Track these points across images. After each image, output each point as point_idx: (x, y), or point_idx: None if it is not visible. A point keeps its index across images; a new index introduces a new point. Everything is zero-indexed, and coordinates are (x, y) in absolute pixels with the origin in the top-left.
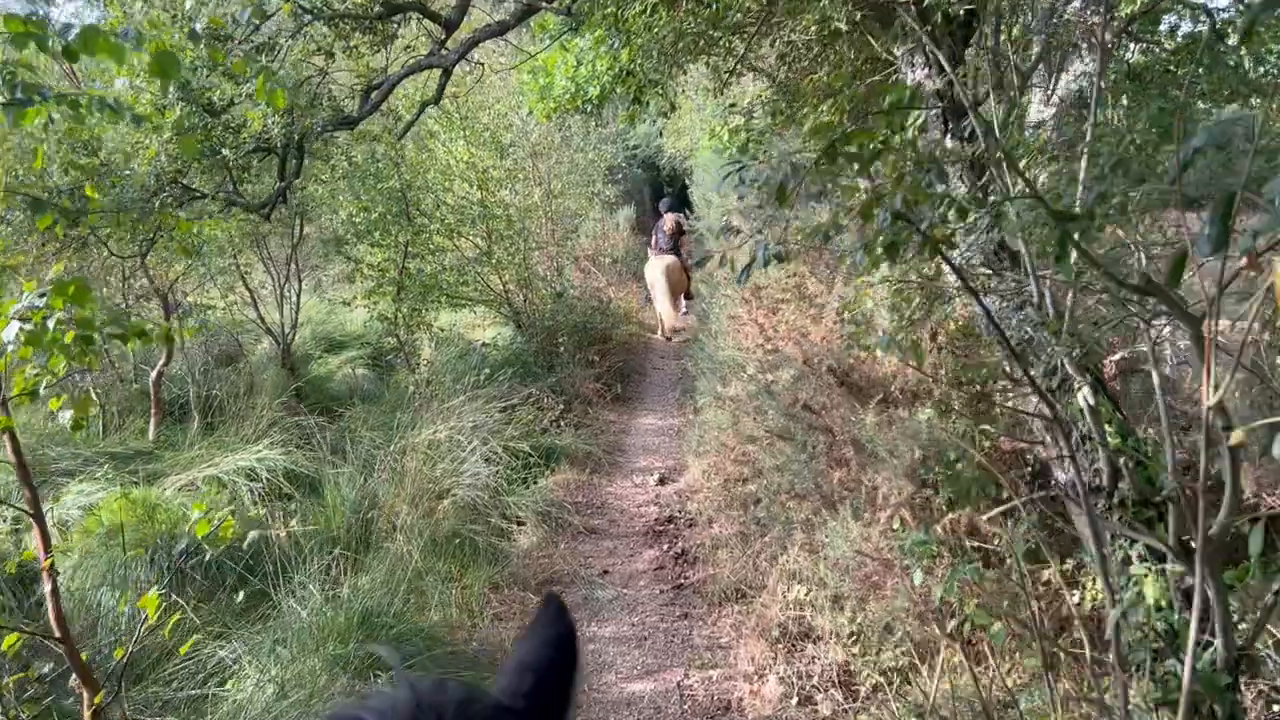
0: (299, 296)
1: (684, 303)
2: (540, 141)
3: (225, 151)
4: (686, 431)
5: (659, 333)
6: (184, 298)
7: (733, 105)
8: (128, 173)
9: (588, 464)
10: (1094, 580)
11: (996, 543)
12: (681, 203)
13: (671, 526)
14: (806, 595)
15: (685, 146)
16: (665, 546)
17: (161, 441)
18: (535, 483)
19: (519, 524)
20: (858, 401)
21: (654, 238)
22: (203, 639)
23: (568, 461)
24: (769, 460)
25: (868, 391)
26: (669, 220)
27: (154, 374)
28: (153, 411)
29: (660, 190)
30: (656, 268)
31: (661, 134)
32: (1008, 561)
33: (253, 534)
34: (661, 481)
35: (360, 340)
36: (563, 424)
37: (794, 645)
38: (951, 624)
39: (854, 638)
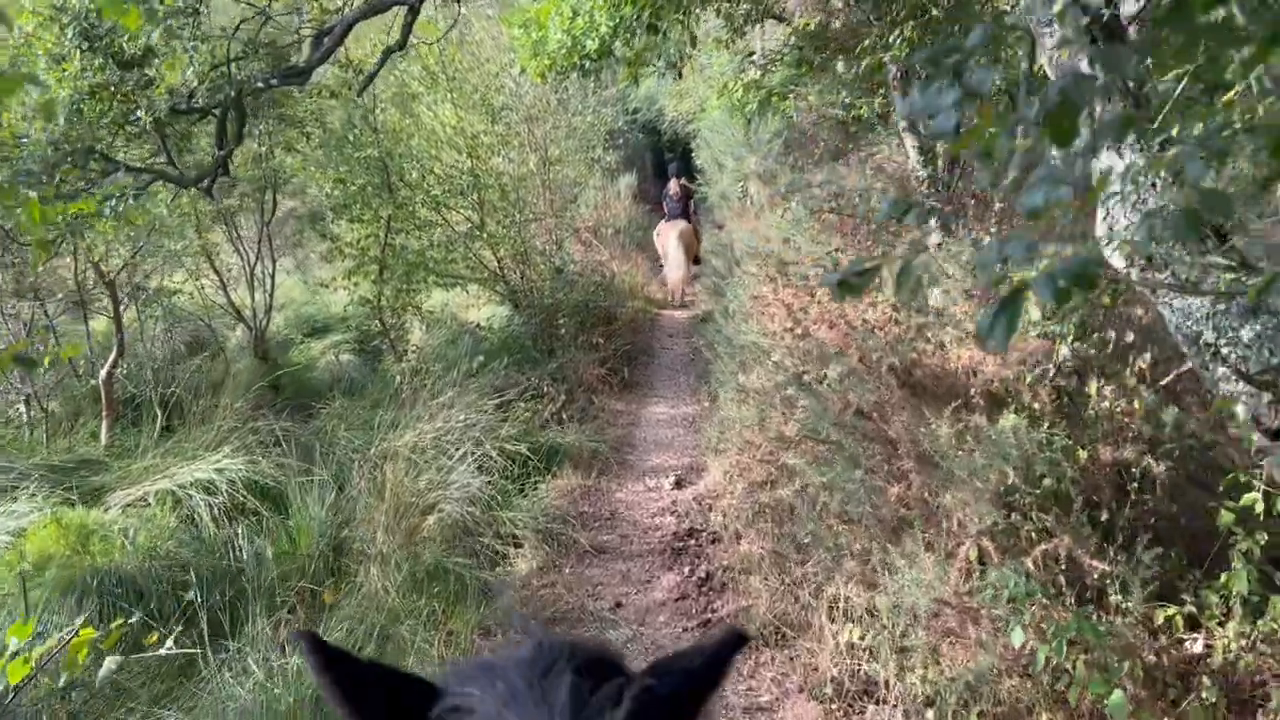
0: (273, 278)
1: (692, 267)
2: (536, 104)
3: (141, 114)
4: (702, 423)
5: (671, 297)
6: (145, 279)
7: (752, 55)
8: (25, 139)
9: (594, 465)
10: (1225, 623)
11: (1102, 580)
12: (686, 168)
13: (693, 543)
14: (863, 640)
15: (688, 109)
16: (687, 569)
17: (113, 448)
18: (534, 490)
19: (515, 545)
20: (926, 407)
21: (665, 204)
22: None
23: (571, 463)
24: (814, 476)
25: (937, 394)
26: (675, 185)
27: (103, 372)
28: (104, 414)
29: (661, 155)
30: (670, 233)
31: (660, 98)
32: (1112, 598)
33: (108, 666)
34: (678, 484)
35: (346, 323)
36: (565, 417)
37: (851, 705)
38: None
39: (929, 702)
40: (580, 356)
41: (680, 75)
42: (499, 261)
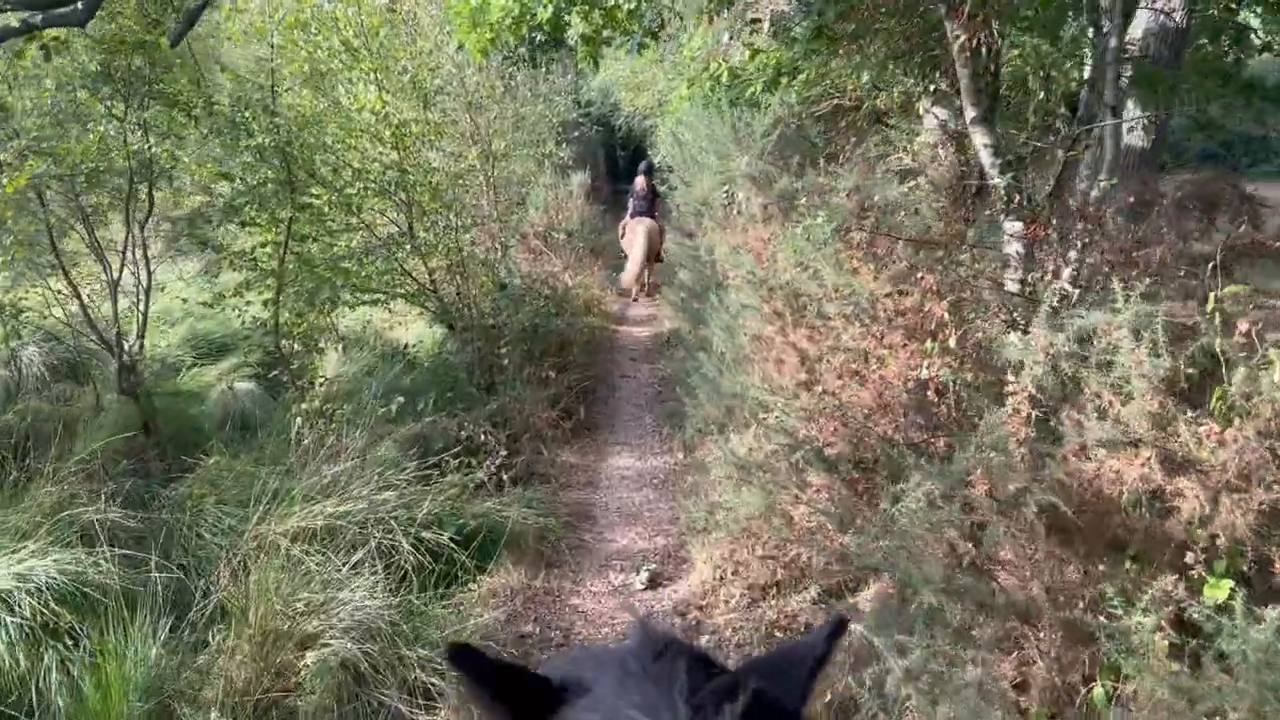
0: (148, 292)
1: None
2: (479, 90)
3: None
4: (677, 480)
5: (631, 295)
6: None
7: (755, 22)
8: None
9: (541, 553)
10: None
11: None
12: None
13: None
14: None
15: (646, 104)
16: None
17: None
18: (463, 593)
19: (429, 704)
20: (1081, 556)
21: (631, 202)
22: None
23: (511, 552)
24: (891, 658)
25: (1104, 536)
26: (641, 183)
27: None
28: None
29: (615, 152)
30: (638, 231)
31: (616, 90)
32: None
33: None
34: (653, 583)
35: (249, 342)
36: (505, 479)
37: None
38: None
39: None
40: (527, 395)
41: (656, 38)
42: (430, 274)
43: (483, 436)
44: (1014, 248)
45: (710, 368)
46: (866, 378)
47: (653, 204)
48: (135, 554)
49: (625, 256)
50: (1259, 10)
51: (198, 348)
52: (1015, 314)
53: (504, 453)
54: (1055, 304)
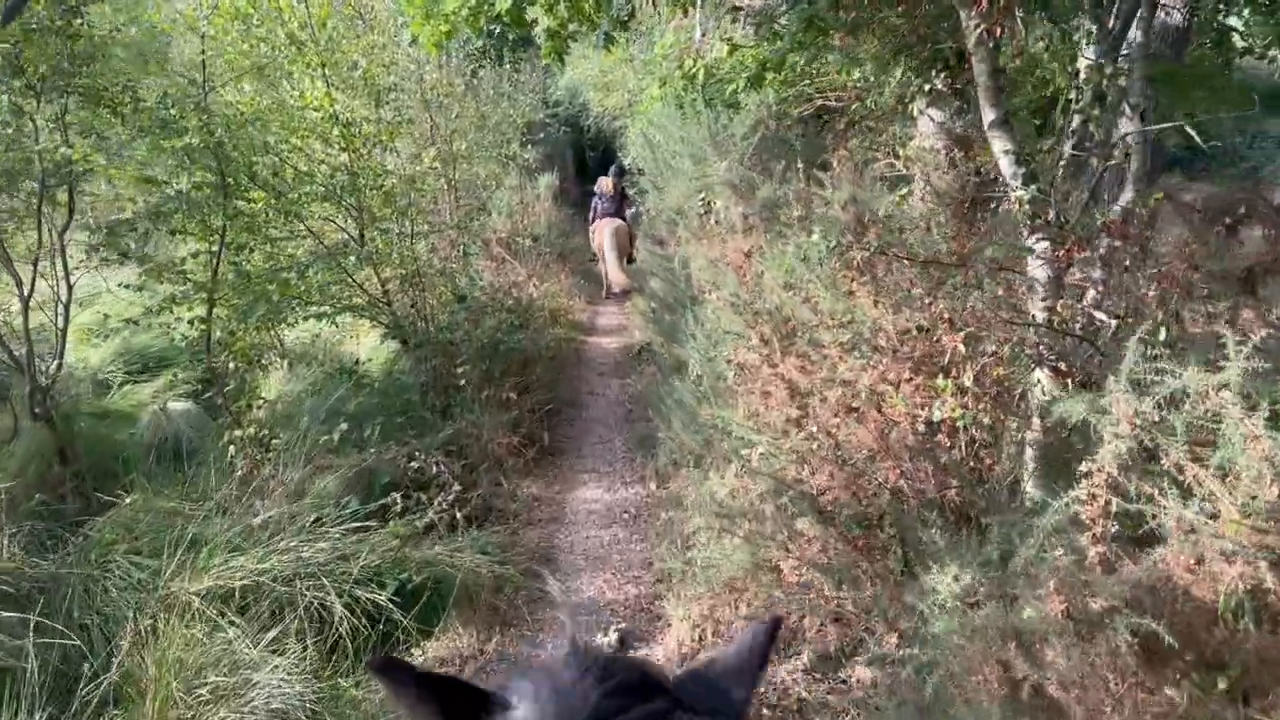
0: (68, 306)
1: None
2: (438, 87)
3: None
4: (649, 514)
5: (604, 293)
6: None
7: (737, 9)
8: None
9: (496, 609)
10: None
11: None
12: (608, 168)
13: None
14: None
15: (615, 105)
16: None
17: None
18: (405, 655)
19: None
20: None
21: (599, 202)
22: None
23: (460, 610)
24: None
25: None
26: (608, 184)
27: None
28: None
29: (584, 154)
30: (605, 231)
31: (584, 90)
32: None
33: None
34: (622, 644)
35: (184, 360)
36: (459, 517)
37: None
38: None
39: None
40: (485, 419)
41: (625, 27)
42: (383, 285)
43: (435, 468)
44: (1040, 270)
45: (686, 393)
46: (866, 416)
47: (620, 205)
48: (25, 616)
49: (594, 260)
50: (1244, 13)
51: (131, 363)
52: (1041, 347)
53: (458, 487)
54: (1139, 352)
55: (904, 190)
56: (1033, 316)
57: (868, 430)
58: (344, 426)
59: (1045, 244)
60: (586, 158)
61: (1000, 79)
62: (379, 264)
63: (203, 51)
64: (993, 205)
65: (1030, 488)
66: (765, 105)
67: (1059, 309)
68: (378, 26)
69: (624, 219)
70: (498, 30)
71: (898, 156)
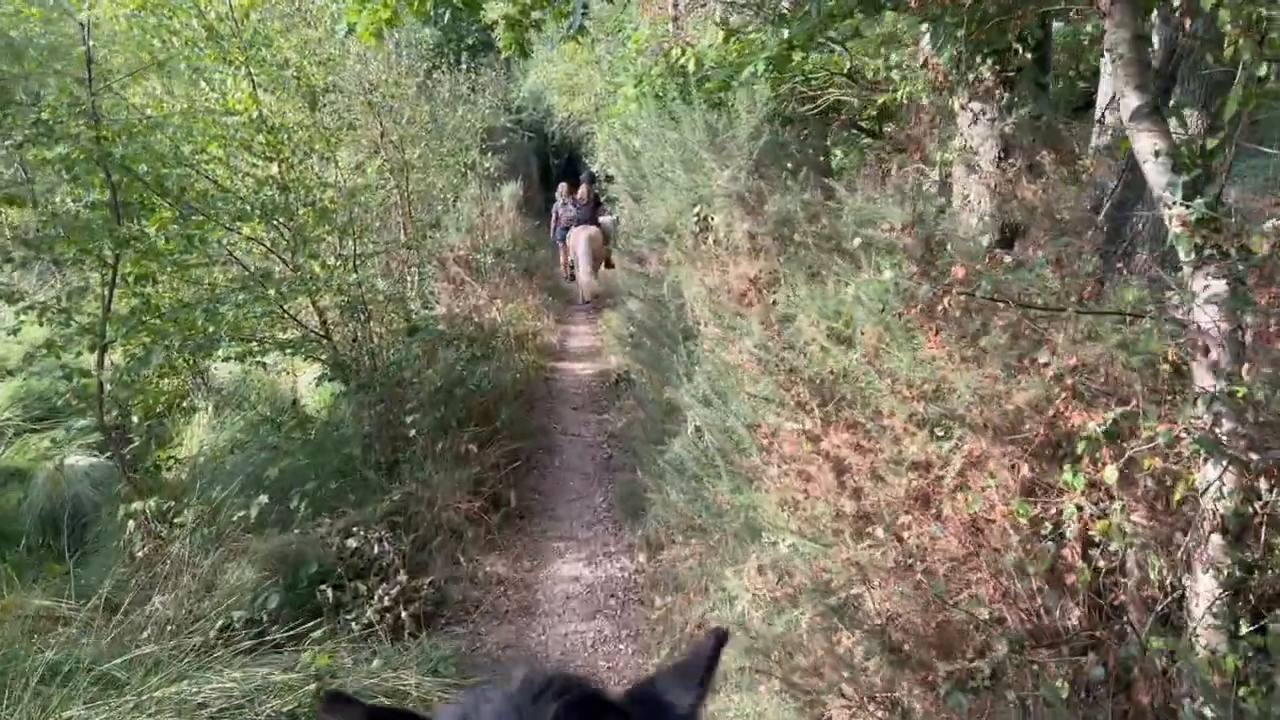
0: None
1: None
2: (384, 88)
3: None
4: (640, 597)
5: (579, 299)
6: None
7: None
8: None
9: None
10: None
11: None
12: (573, 175)
13: None
14: None
15: (581, 109)
16: None
17: None
18: None
19: None
20: None
21: (569, 209)
22: None
23: None
24: None
25: None
26: (583, 191)
27: None
28: None
29: (549, 161)
30: (580, 237)
31: (549, 95)
32: None
33: None
34: None
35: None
36: (405, 616)
37: None
38: None
39: None
40: (440, 478)
41: (587, 9)
42: (320, 315)
43: (377, 547)
44: (1211, 318)
45: (684, 453)
46: (949, 514)
47: (595, 211)
48: None
49: (565, 268)
50: None
51: (31, 409)
52: (1217, 430)
53: (404, 576)
54: None
55: (938, 202)
56: (1201, 388)
57: (952, 534)
58: (264, 500)
59: (1221, 284)
60: (551, 165)
61: (1142, 51)
62: (315, 292)
63: (85, 43)
64: (1100, 223)
65: (1203, 632)
66: (768, 101)
67: (1244, 375)
68: (313, 18)
69: (598, 225)
70: (450, 24)
71: (927, 161)
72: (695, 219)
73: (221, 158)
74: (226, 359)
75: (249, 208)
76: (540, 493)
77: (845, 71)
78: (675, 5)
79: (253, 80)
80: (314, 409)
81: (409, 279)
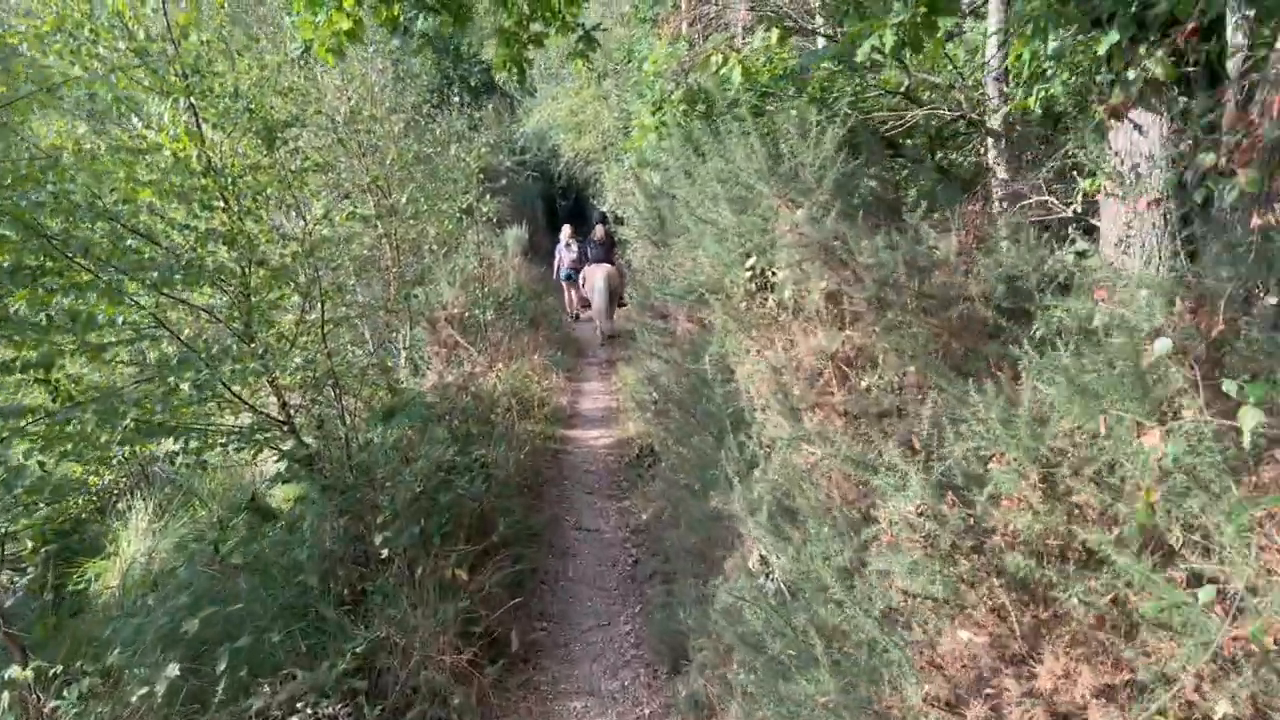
0: None
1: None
2: (360, 122)
3: None
4: None
5: (597, 335)
6: None
7: None
8: None
9: None
10: None
11: None
12: (579, 217)
13: None
14: None
15: (589, 147)
16: None
17: None
18: None
19: None
20: None
21: (582, 251)
22: None
23: None
24: None
25: None
26: (599, 231)
27: None
28: None
29: (555, 204)
30: (597, 276)
31: (554, 134)
32: None
33: None
34: None
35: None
36: None
37: None
38: None
39: None
40: (420, 619)
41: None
42: (280, 396)
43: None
44: None
45: (752, 618)
46: None
47: (610, 251)
48: None
49: (570, 308)
50: None
51: None
52: None
53: None
54: None
55: (1076, 247)
56: None
57: None
58: (174, 672)
59: None
60: (558, 206)
61: None
62: (260, 372)
63: None
64: None
65: None
66: (847, 116)
67: None
68: (275, 41)
69: (612, 263)
70: (453, 64)
71: (1083, 192)
72: (749, 274)
73: (157, 209)
74: (167, 456)
75: (172, 270)
76: (550, 620)
77: (903, 89)
78: (695, 23)
79: (195, 113)
80: (280, 502)
81: (397, 344)
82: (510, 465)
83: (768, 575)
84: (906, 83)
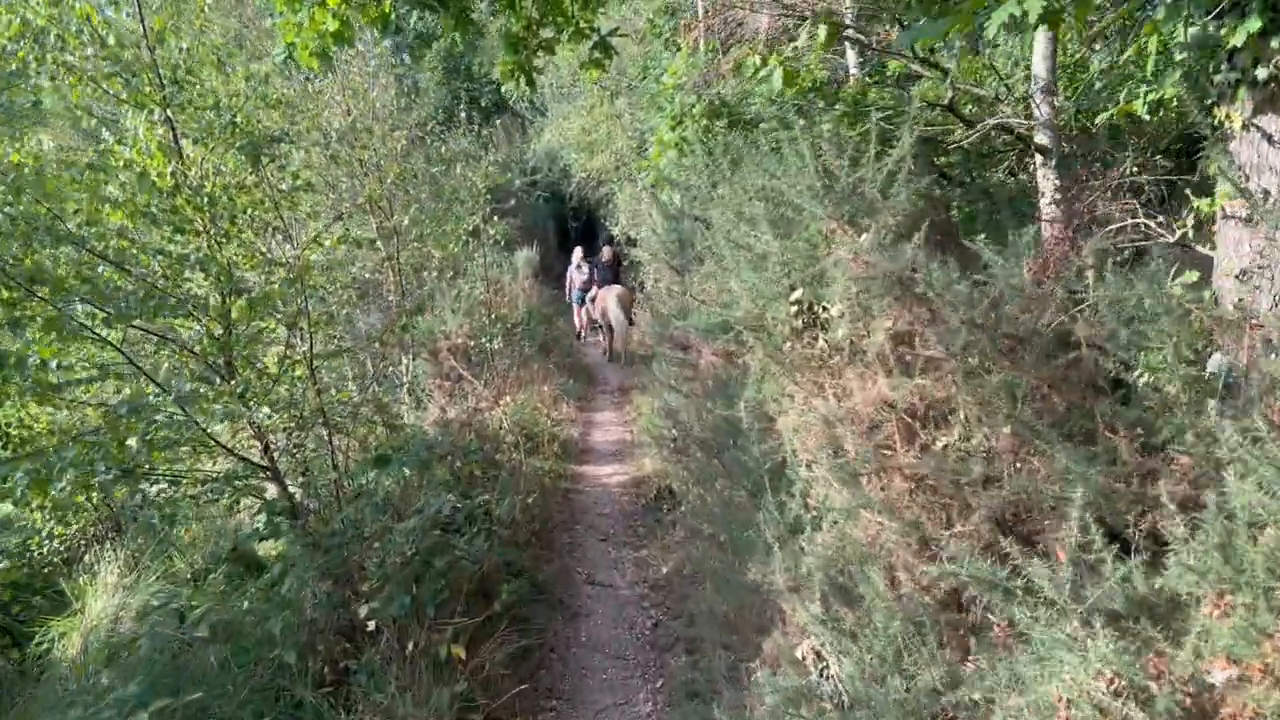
0: None
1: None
2: (358, 136)
3: None
4: None
5: (610, 359)
6: None
7: None
8: None
9: None
10: None
11: None
12: (591, 239)
13: None
14: None
15: (601, 167)
16: None
17: None
18: None
19: None
20: None
21: (591, 273)
22: None
23: None
24: None
25: None
26: (606, 252)
27: None
28: None
29: (566, 225)
30: (609, 298)
31: (566, 154)
32: None
33: None
34: None
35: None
36: None
37: None
38: None
39: None
40: (411, 710)
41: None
42: (262, 437)
43: None
44: None
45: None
46: None
47: (617, 272)
48: None
49: (583, 330)
50: None
51: None
52: None
53: None
54: None
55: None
56: None
57: None
58: None
59: None
60: (570, 228)
61: None
62: (237, 415)
63: None
64: None
65: None
66: (916, 117)
67: None
68: (255, 48)
69: (621, 283)
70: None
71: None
72: (795, 308)
73: (126, 233)
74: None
75: (136, 299)
76: (560, 699)
77: (946, 102)
78: (710, 29)
79: (173, 126)
80: (269, 550)
81: (399, 375)
82: (516, 511)
83: (822, 672)
84: (951, 95)
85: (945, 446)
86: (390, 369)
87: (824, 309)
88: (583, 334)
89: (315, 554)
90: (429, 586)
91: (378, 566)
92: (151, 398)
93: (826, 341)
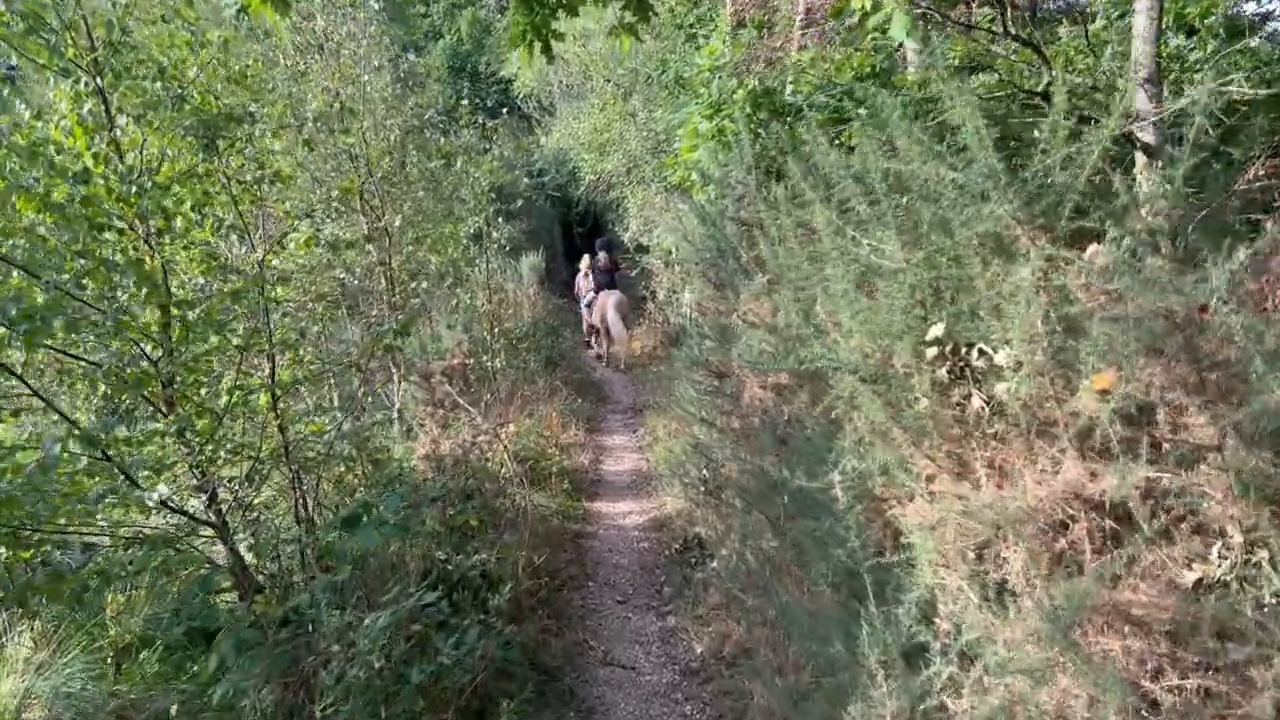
0: None
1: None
2: (331, 117)
3: None
4: None
5: (608, 364)
6: None
7: None
8: None
9: None
10: None
11: None
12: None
13: None
14: None
15: (612, 169)
16: None
17: None
18: None
19: None
20: None
21: (590, 279)
22: None
23: None
24: None
25: None
26: (603, 258)
27: None
28: None
29: (572, 230)
30: (608, 304)
31: (573, 156)
32: None
33: None
34: None
35: None
36: None
37: None
38: None
39: None
40: None
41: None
42: (209, 491)
43: None
44: None
45: None
46: None
47: (613, 277)
48: None
49: (590, 335)
50: None
51: None
52: None
53: None
54: None
55: None
56: None
57: None
58: None
59: None
60: (575, 234)
61: None
62: (204, 447)
63: None
64: None
65: None
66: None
67: None
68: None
69: (619, 288)
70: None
71: None
72: (935, 351)
73: (51, 226)
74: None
75: (22, 316)
76: None
77: (1042, 90)
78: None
79: (104, 98)
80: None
81: (390, 396)
82: (520, 570)
83: None
84: (1047, 80)
85: (1201, 579)
86: (377, 390)
87: (979, 352)
88: (591, 341)
89: (262, 650)
90: (404, 707)
91: (335, 681)
92: (52, 439)
93: (983, 402)
